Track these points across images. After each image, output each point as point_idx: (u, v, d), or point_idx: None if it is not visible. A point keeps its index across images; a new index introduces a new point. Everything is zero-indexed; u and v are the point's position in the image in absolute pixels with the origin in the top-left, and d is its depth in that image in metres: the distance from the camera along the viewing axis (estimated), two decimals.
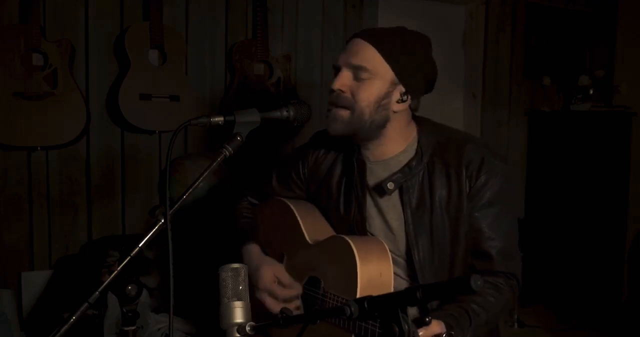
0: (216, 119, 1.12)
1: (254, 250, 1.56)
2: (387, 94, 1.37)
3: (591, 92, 3.55)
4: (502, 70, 3.61)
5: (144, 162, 2.57)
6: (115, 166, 2.51)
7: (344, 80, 1.37)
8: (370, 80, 1.35)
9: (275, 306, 1.44)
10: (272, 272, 1.47)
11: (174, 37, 2.47)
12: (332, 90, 1.39)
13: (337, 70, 1.40)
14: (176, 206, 1.06)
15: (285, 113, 1.24)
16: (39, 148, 2.29)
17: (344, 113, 1.38)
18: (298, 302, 1.47)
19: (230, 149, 1.11)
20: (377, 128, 1.40)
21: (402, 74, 1.36)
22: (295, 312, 1.44)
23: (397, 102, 1.38)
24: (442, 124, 1.52)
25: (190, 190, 1.06)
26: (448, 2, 3.54)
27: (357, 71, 1.36)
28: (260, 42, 2.66)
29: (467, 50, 3.65)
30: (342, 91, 1.37)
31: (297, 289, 1.47)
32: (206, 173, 1.09)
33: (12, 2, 2.26)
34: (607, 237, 3.58)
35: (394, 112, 1.39)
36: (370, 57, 1.35)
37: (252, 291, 1.32)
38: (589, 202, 3.48)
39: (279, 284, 1.46)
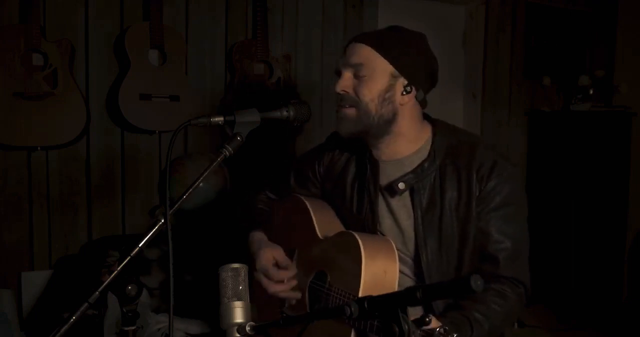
0: (216, 119, 1.13)
1: (259, 235, 1.59)
2: (390, 87, 1.39)
3: (591, 92, 3.55)
4: (502, 70, 3.61)
5: (144, 162, 2.57)
6: (115, 166, 2.51)
7: (345, 81, 1.41)
8: (369, 76, 1.38)
9: (270, 286, 1.47)
10: (270, 254, 1.50)
11: (174, 37, 2.47)
12: (337, 93, 1.42)
13: (338, 75, 1.44)
14: (176, 206, 1.06)
15: (285, 113, 1.24)
16: (39, 148, 2.29)
17: (350, 111, 1.41)
18: (294, 284, 1.49)
19: (230, 149, 1.12)
20: (386, 123, 1.41)
21: (400, 66, 1.39)
22: (292, 297, 1.48)
23: (402, 94, 1.40)
24: (455, 125, 1.54)
25: (190, 190, 1.07)
26: (448, 2, 3.54)
27: (357, 70, 1.39)
28: (260, 42, 2.66)
29: (467, 50, 3.64)
30: (346, 92, 1.41)
31: (292, 270, 1.50)
32: (206, 173, 1.09)
33: (12, 2, 2.26)
34: (607, 237, 3.58)
35: (401, 105, 1.41)
36: (366, 54, 1.39)
37: (252, 275, 1.34)
38: (589, 202, 3.47)
39: (275, 266, 1.49)
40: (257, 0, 2.65)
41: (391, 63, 1.38)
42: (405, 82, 1.40)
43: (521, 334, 3.15)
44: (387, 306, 0.82)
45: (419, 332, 0.81)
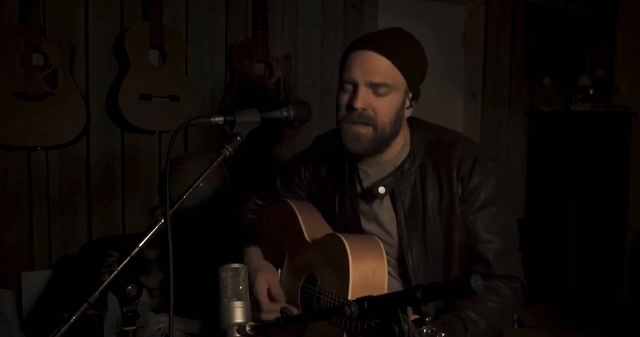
0: (216, 119, 1.13)
1: (254, 253, 1.59)
2: (402, 105, 1.38)
3: (591, 92, 3.55)
4: (502, 70, 3.61)
5: (144, 162, 2.57)
6: (115, 166, 2.51)
7: (365, 97, 1.34)
8: (390, 95, 1.34)
9: (260, 315, 1.47)
10: (265, 280, 1.49)
11: (174, 37, 2.47)
12: (354, 109, 1.34)
13: (352, 85, 1.36)
14: (176, 206, 1.06)
15: (285, 113, 1.24)
16: (39, 148, 2.29)
17: (367, 131, 1.35)
18: (277, 315, 1.48)
19: (230, 149, 1.11)
20: (392, 138, 1.40)
21: (411, 81, 1.37)
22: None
23: (407, 108, 1.40)
24: (432, 123, 1.52)
25: (190, 190, 1.07)
26: (448, 2, 3.53)
27: (377, 88, 1.34)
28: (260, 42, 2.66)
29: (467, 50, 3.64)
30: (364, 109, 1.34)
31: (282, 302, 1.49)
32: (206, 173, 1.09)
33: (12, 2, 2.26)
34: (607, 237, 3.58)
35: (403, 118, 1.41)
36: (389, 71, 1.33)
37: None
38: (589, 202, 3.47)
39: (268, 295, 1.48)
40: (257, 0, 2.65)
41: (406, 79, 1.36)
42: (411, 95, 1.39)
43: (521, 334, 3.15)
44: (387, 306, 0.82)
45: (417, 332, 0.81)
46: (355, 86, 1.35)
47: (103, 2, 2.43)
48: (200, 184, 1.09)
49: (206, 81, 2.67)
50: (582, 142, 3.46)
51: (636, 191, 3.68)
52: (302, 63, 2.91)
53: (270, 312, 1.47)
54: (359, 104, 1.33)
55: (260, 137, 2.62)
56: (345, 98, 1.37)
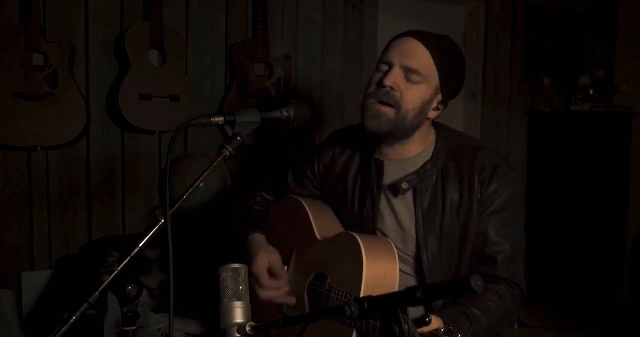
0: (216, 119, 1.13)
1: (258, 238, 1.58)
2: (430, 100, 1.40)
3: (591, 92, 3.55)
4: (502, 70, 3.61)
5: (144, 162, 2.57)
6: (115, 166, 2.51)
7: (396, 78, 1.37)
8: (420, 84, 1.37)
9: (261, 293, 1.46)
10: (265, 259, 1.49)
11: (174, 37, 2.47)
12: (383, 86, 1.37)
13: (387, 66, 1.40)
14: (176, 206, 1.06)
15: (285, 113, 1.24)
16: (39, 148, 2.29)
17: (389, 111, 1.38)
18: (286, 290, 1.49)
19: (230, 149, 1.12)
20: (412, 130, 1.43)
21: (445, 83, 1.40)
22: (285, 301, 1.47)
23: (434, 109, 1.42)
24: (458, 130, 1.56)
25: (190, 190, 1.07)
26: (448, 2, 3.54)
27: (410, 73, 1.37)
28: (260, 42, 2.66)
29: (467, 50, 3.64)
30: (393, 89, 1.37)
31: (284, 279, 1.49)
32: (206, 173, 1.09)
33: (12, 2, 2.26)
34: (607, 237, 3.58)
35: (427, 118, 1.44)
36: (426, 61, 1.37)
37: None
38: (589, 202, 3.47)
39: (269, 272, 1.48)
40: (257, 0, 2.65)
41: (440, 78, 1.39)
42: (440, 98, 1.42)
43: (521, 334, 3.15)
44: (387, 305, 0.82)
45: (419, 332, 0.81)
46: (390, 66, 1.39)
47: (103, 2, 2.43)
48: (200, 184, 1.09)
49: (206, 81, 2.67)
50: (582, 142, 3.46)
51: (636, 191, 3.68)
52: (302, 63, 2.91)
53: (271, 289, 1.47)
54: (389, 81, 1.36)
55: (259, 137, 2.62)
56: (377, 77, 1.41)
